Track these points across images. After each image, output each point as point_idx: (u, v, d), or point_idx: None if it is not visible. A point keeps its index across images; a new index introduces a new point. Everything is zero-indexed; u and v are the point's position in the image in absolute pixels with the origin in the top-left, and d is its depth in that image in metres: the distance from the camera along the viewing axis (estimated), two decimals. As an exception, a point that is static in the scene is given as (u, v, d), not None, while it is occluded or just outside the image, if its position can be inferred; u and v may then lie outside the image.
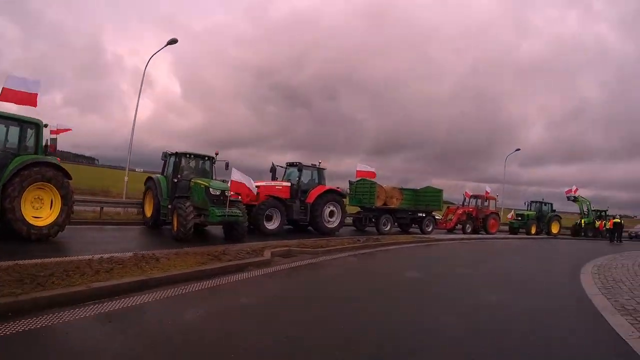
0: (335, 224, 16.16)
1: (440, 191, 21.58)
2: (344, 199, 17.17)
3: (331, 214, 16.06)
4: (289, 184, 15.76)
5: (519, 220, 28.12)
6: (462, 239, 20.08)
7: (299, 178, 15.88)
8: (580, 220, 30.16)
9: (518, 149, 32.97)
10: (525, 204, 30.23)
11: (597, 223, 29.18)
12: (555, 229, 28.71)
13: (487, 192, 25.93)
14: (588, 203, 31.45)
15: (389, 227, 19.38)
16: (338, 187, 17.24)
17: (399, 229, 21.39)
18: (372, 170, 20.40)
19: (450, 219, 24.31)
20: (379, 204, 19.16)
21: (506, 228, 28.65)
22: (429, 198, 21.59)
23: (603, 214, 31.91)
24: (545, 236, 27.14)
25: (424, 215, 21.08)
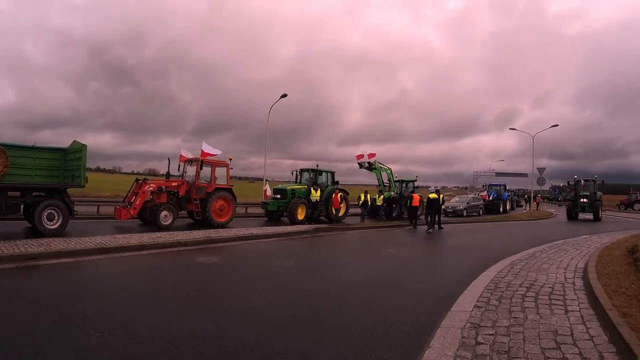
0: None
1: (81, 148, 12.47)
2: None
3: None
4: None
5: (277, 199, 20.04)
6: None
7: None
8: (376, 195, 23.61)
9: (284, 95, 25.56)
10: (292, 173, 22.44)
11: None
12: (341, 210, 21.30)
13: (204, 153, 16.94)
14: (389, 171, 25.34)
15: None
16: None
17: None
18: None
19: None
20: None
21: (257, 211, 20.71)
22: (71, 163, 13.08)
23: (410, 185, 26.17)
24: (325, 224, 18.68)
25: (42, 196, 12.30)
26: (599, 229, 19.46)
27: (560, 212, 37.69)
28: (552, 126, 35.42)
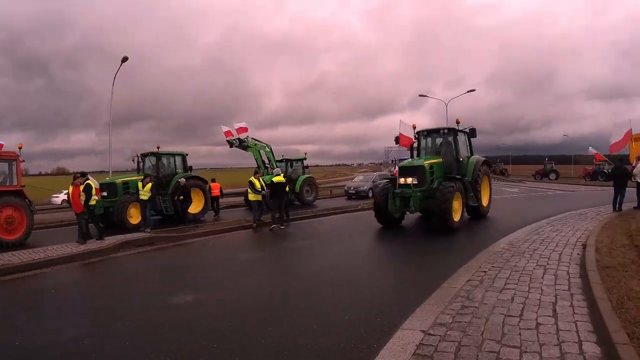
0: None
1: None
2: None
3: None
4: None
5: (104, 197, 13.64)
6: None
7: None
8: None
9: (125, 59, 18.65)
10: (133, 160, 16.37)
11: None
12: (194, 205, 15.21)
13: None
14: (267, 149, 19.44)
15: None
16: None
17: None
18: None
19: None
20: None
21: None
22: None
23: (298, 165, 20.54)
24: (146, 234, 12.10)
25: None
26: (542, 206, 15.11)
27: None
28: (468, 91, 31.79)
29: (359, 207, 16.77)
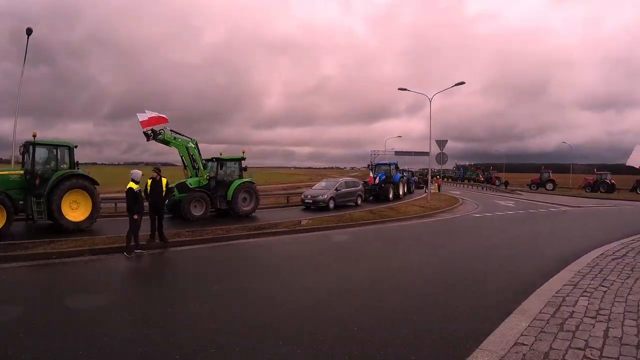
0: None
1: None
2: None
3: None
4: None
5: None
6: None
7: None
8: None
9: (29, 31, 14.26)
10: (20, 151, 12.30)
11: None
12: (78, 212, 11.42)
13: None
14: (192, 145, 15.13)
15: None
16: None
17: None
18: None
19: None
20: None
21: None
22: None
23: (233, 166, 16.13)
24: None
25: None
26: (553, 234, 10.86)
27: (468, 195, 30.46)
28: (456, 84, 27.32)
29: (300, 224, 12.43)
